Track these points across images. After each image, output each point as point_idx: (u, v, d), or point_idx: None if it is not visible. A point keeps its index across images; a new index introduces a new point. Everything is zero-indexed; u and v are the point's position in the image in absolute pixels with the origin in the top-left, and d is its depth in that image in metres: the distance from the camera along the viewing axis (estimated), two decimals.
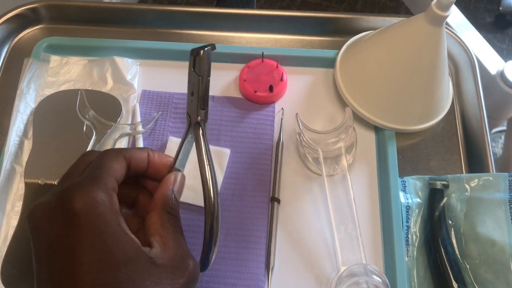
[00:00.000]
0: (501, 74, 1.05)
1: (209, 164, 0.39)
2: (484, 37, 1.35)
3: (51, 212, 0.35)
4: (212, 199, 0.39)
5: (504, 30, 1.86)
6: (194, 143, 0.41)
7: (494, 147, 1.61)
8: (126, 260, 0.34)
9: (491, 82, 1.08)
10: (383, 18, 0.65)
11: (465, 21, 1.37)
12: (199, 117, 0.40)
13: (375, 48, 0.56)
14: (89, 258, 0.33)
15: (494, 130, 1.62)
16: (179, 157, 0.42)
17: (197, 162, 0.40)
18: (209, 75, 0.40)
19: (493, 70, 1.16)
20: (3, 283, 0.49)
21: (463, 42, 0.62)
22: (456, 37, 0.62)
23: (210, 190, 0.39)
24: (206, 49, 0.39)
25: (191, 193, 0.53)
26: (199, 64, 0.39)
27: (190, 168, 0.50)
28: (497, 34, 1.88)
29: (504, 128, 1.56)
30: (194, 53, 0.39)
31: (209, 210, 0.39)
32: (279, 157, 0.56)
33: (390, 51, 0.54)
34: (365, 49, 0.58)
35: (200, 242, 0.40)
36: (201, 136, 0.40)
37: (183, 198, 0.51)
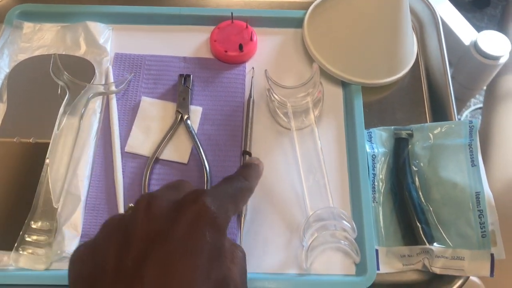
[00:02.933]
0: (475, 45, 1.07)
1: (201, 145, 0.55)
2: (463, 16, 1.37)
3: None
4: (208, 169, 0.54)
5: (482, 9, 1.88)
6: (188, 131, 0.56)
7: None
8: None
9: (466, 53, 1.10)
10: None
11: None
12: (187, 115, 0.56)
13: (340, 5, 0.58)
14: None
15: (473, 107, 1.65)
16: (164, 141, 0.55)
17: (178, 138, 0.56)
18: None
19: (467, 41, 1.18)
20: None
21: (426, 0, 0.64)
22: None
23: (205, 163, 0.54)
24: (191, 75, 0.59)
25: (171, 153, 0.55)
26: (188, 81, 0.58)
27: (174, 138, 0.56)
28: (476, 14, 1.90)
29: (480, 105, 1.59)
30: (184, 75, 0.59)
31: (207, 179, 0.53)
32: (250, 113, 0.57)
33: (354, 7, 0.56)
34: (331, 7, 0.59)
35: None
36: (191, 126, 0.56)
37: (166, 156, 0.55)
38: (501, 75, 1.09)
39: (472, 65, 1.10)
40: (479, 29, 1.11)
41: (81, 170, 0.53)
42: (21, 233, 0.49)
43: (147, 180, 0.53)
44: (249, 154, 0.55)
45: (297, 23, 0.63)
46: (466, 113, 1.64)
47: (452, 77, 1.17)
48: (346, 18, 0.57)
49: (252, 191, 0.43)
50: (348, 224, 0.51)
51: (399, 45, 0.58)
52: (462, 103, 1.33)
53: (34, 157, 0.53)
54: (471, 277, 0.62)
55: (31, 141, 0.54)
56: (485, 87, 1.20)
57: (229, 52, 0.60)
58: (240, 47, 0.60)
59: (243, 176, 0.42)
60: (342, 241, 0.51)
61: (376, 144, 0.56)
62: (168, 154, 0.55)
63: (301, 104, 0.57)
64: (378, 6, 0.55)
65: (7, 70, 0.59)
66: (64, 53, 0.61)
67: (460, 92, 1.22)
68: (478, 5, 1.88)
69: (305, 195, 0.53)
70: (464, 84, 1.19)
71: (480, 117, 1.63)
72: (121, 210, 0.52)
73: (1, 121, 0.55)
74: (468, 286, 0.63)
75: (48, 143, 0.53)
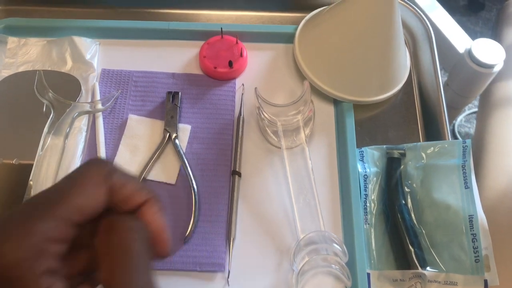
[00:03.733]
0: (469, 53, 1.06)
1: (189, 165, 0.54)
2: (458, 20, 1.36)
3: None
4: (196, 190, 0.53)
5: (477, 13, 1.88)
6: (176, 150, 0.55)
7: (469, 127, 1.64)
8: None
9: (460, 61, 1.10)
10: None
11: (433, 1, 1.38)
12: (175, 134, 0.55)
13: (331, 21, 0.57)
14: None
15: (468, 112, 1.64)
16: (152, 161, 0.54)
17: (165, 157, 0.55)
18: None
19: (461, 49, 1.17)
20: None
21: (419, 14, 0.63)
22: (412, 9, 0.63)
23: (193, 184, 0.53)
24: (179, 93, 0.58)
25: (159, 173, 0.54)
26: (177, 99, 0.57)
27: (162, 157, 0.55)
28: (470, 17, 1.90)
29: (475, 109, 1.59)
30: (173, 93, 0.57)
31: (195, 200, 0.52)
32: (240, 132, 0.56)
33: (345, 24, 0.55)
34: (322, 23, 0.58)
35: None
36: (179, 146, 0.55)
37: (154, 177, 0.54)
38: (496, 82, 1.09)
39: (466, 73, 1.09)
40: (474, 33, 1.11)
41: None
42: None
43: None
44: (239, 174, 0.54)
45: (288, 38, 0.62)
46: (460, 118, 1.64)
47: (446, 85, 1.16)
48: (337, 33, 0.56)
49: None
50: (340, 248, 0.50)
51: (392, 61, 0.57)
52: (456, 111, 1.33)
53: (17, 179, 0.52)
54: None
55: (13, 162, 0.53)
56: (479, 95, 1.19)
57: (219, 69, 0.59)
58: (230, 64, 0.58)
59: None
60: (333, 265, 0.50)
61: (368, 164, 0.55)
62: (155, 174, 0.54)
63: (292, 123, 0.56)
64: (370, 21, 0.54)
65: None
66: (49, 68, 0.59)
67: (454, 100, 1.21)
68: (473, 9, 1.88)
69: (295, 217, 0.51)
70: (458, 92, 1.18)
71: (474, 121, 1.63)
72: None
73: None
74: None
75: (32, 164, 0.52)
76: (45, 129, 0.53)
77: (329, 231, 0.51)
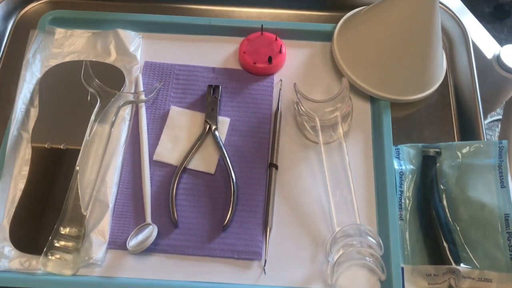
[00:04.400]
0: (497, 58, 1.06)
1: (228, 156, 0.55)
2: (483, 27, 1.36)
3: None
4: (235, 180, 0.54)
5: (502, 20, 1.87)
6: (215, 141, 0.57)
7: (491, 135, 1.63)
8: None
9: (487, 67, 1.10)
10: None
11: (462, 7, 1.38)
12: (215, 126, 0.57)
13: (371, 21, 0.58)
14: None
15: (490, 119, 1.63)
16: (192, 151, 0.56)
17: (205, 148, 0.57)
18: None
19: (489, 55, 1.17)
20: (12, 242, 0.51)
21: (456, 17, 0.64)
22: (450, 12, 0.64)
23: (232, 174, 0.54)
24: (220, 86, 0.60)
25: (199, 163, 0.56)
26: (217, 92, 0.58)
27: (202, 148, 0.57)
28: (495, 24, 1.89)
29: (499, 117, 1.58)
30: (213, 86, 0.59)
31: (234, 190, 0.53)
32: (277, 126, 0.58)
33: (386, 24, 0.56)
34: (362, 23, 0.59)
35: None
36: (219, 137, 0.56)
37: (193, 166, 0.55)
38: None
39: (493, 79, 1.09)
40: (498, 40, 1.10)
41: (109, 177, 0.54)
42: (50, 238, 0.50)
43: (175, 189, 0.54)
44: (276, 166, 0.55)
45: (326, 36, 0.63)
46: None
47: None
48: (377, 33, 0.57)
49: None
50: (375, 241, 0.51)
51: (429, 62, 0.58)
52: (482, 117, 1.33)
53: (65, 163, 0.54)
54: None
55: (62, 147, 0.55)
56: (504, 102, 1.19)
57: (258, 64, 0.60)
58: (269, 60, 0.60)
59: None
60: (368, 258, 0.51)
61: (404, 161, 0.56)
62: (195, 164, 0.56)
63: (329, 119, 0.57)
64: (410, 22, 0.55)
65: (39, 76, 0.60)
66: (94, 59, 0.61)
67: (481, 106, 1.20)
68: (498, 16, 1.87)
69: (331, 210, 0.53)
70: (485, 98, 1.18)
71: (496, 129, 1.62)
72: (148, 218, 0.52)
73: (33, 126, 0.56)
74: None
75: (79, 150, 0.54)
76: (92, 117, 0.55)
77: (364, 224, 0.52)
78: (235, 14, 0.67)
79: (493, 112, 1.64)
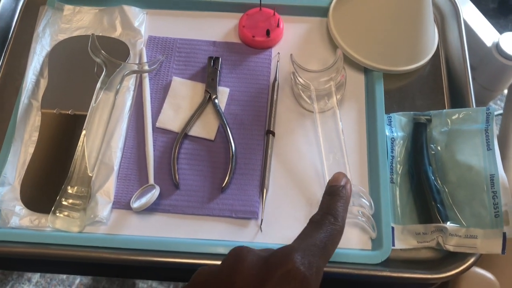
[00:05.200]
0: (497, 46, 1.08)
1: (227, 123, 0.58)
2: (482, 15, 1.37)
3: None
4: (233, 145, 0.57)
5: (507, 16, 1.88)
6: (215, 110, 0.60)
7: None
8: None
9: (487, 54, 1.11)
10: None
11: None
12: (215, 95, 0.60)
13: None
14: None
15: (496, 113, 1.64)
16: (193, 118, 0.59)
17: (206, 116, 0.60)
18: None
19: (488, 43, 1.19)
20: (23, 202, 0.54)
21: None
22: None
23: (231, 140, 0.57)
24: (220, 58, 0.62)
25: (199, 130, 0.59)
26: (217, 63, 0.61)
27: (202, 116, 0.60)
28: (500, 20, 1.90)
29: (501, 111, 1.59)
30: (213, 57, 0.62)
31: (232, 154, 0.56)
32: (275, 95, 0.60)
33: None
34: None
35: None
36: (219, 106, 0.59)
37: (194, 133, 0.58)
38: None
39: (493, 67, 1.10)
40: None
41: (114, 142, 0.57)
42: (58, 197, 0.53)
43: (176, 153, 0.56)
44: (273, 133, 0.58)
45: (323, 12, 0.66)
46: None
47: (473, 79, 1.18)
48: (370, 6, 0.60)
49: (343, 231, 0.39)
50: (366, 201, 0.53)
51: (421, 34, 0.60)
52: (482, 105, 1.34)
53: (72, 128, 0.57)
54: (485, 274, 0.64)
55: (69, 112, 0.58)
56: (506, 90, 1.20)
57: (257, 38, 0.63)
58: (267, 33, 0.62)
59: (332, 214, 0.39)
60: (360, 217, 0.53)
61: (395, 128, 0.58)
62: (196, 130, 0.59)
63: (324, 88, 0.59)
64: None
65: (48, 49, 0.63)
66: (101, 34, 0.64)
67: (481, 94, 1.22)
68: (502, 11, 1.88)
69: (325, 173, 0.55)
70: (485, 86, 1.20)
71: (499, 123, 1.63)
72: (151, 179, 0.55)
73: (42, 94, 0.59)
74: (483, 283, 0.65)
75: (85, 115, 0.57)
76: (98, 85, 0.58)
77: (356, 185, 0.54)
78: None
79: (497, 106, 1.65)
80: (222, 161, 0.57)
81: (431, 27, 0.62)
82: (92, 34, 0.62)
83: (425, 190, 0.54)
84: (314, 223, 0.39)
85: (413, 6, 0.58)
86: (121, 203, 0.55)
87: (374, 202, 0.53)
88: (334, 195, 0.41)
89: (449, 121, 0.57)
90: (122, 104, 0.59)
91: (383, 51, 0.61)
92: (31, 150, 0.57)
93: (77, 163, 0.54)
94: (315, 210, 0.54)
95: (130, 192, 0.55)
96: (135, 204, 0.53)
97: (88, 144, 0.55)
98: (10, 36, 0.66)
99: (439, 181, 0.55)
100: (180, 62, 0.63)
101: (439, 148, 0.57)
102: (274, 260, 0.33)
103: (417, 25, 0.60)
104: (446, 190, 0.54)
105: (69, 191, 0.53)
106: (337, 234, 0.38)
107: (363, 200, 0.53)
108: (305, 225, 0.53)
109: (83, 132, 0.55)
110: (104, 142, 0.57)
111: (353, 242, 0.53)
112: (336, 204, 0.40)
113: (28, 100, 0.59)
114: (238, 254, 0.35)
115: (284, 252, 0.34)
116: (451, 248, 0.51)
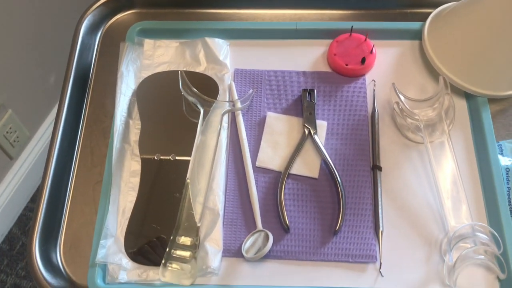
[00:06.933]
0: None
1: (330, 160, 0.55)
2: None
3: None
4: (341, 183, 0.54)
5: None
6: (315, 145, 0.57)
7: None
8: None
9: None
10: None
11: None
12: (314, 130, 0.57)
13: (463, 15, 0.58)
14: None
15: None
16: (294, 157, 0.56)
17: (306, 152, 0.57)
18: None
19: None
20: (128, 255, 0.51)
21: None
22: None
23: (338, 177, 0.54)
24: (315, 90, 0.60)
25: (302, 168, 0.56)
26: (313, 96, 0.59)
27: (303, 153, 0.57)
28: None
29: None
30: (308, 90, 0.59)
31: (342, 193, 0.54)
32: (376, 127, 0.58)
33: (479, 17, 0.56)
34: (453, 17, 0.59)
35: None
36: (319, 141, 0.56)
37: (296, 171, 0.55)
38: None
39: None
40: None
41: (216, 185, 0.54)
42: (168, 248, 0.50)
43: (282, 194, 0.54)
44: (380, 168, 0.55)
45: (414, 35, 0.63)
46: None
47: None
48: (470, 28, 0.57)
49: None
50: (491, 239, 0.50)
51: None
52: None
53: (174, 173, 0.55)
54: None
55: (171, 158, 0.55)
56: None
57: (350, 66, 0.60)
58: (363, 61, 0.60)
59: None
60: (484, 257, 0.50)
61: (509, 157, 0.55)
62: (298, 168, 0.56)
63: (432, 117, 0.56)
64: (505, 13, 0.54)
65: (133, 87, 0.60)
66: (184, 69, 0.62)
67: None
68: None
69: (443, 210, 0.52)
70: None
71: None
72: (259, 224, 0.52)
73: (139, 139, 0.57)
74: None
75: (186, 160, 0.54)
76: (199, 127, 0.55)
77: (478, 222, 0.51)
78: (317, 16, 0.67)
79: None
80: (329, 200, 0.55)
81: None
82: (181, 71, 0.59)
83: None
84: None
85: None
86: (231, 251, 0.52)
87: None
88: None
89: None
90: (219, 144, 0.56)
91: (487, 75, 0.58)
92: (129, 197, 0.54)
93: (183, 212, 0.52)
94: (434, 250, 0.52)
95: (239, 238, 0.53)
96: (250, 255, 0.50)
97: (193, 190, 0.53)
98: (90, 75, 0.63)
99: None
100: (271, 95, 0.61)
101: None
102: None
103: None
104: None
105: (178, 241, 0.51)
106: None
107: (488, 238, 0.51)
108: (426, 267, 0.51)
109: (187, 180, 0.53)
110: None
111: (480, 284, 0.50)
112: None
113: (121, 144, 0.57)
114: None
115: None
116: None
